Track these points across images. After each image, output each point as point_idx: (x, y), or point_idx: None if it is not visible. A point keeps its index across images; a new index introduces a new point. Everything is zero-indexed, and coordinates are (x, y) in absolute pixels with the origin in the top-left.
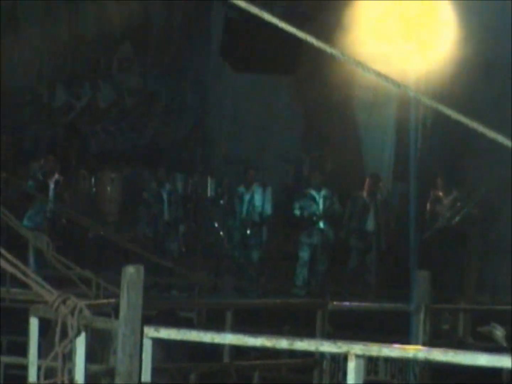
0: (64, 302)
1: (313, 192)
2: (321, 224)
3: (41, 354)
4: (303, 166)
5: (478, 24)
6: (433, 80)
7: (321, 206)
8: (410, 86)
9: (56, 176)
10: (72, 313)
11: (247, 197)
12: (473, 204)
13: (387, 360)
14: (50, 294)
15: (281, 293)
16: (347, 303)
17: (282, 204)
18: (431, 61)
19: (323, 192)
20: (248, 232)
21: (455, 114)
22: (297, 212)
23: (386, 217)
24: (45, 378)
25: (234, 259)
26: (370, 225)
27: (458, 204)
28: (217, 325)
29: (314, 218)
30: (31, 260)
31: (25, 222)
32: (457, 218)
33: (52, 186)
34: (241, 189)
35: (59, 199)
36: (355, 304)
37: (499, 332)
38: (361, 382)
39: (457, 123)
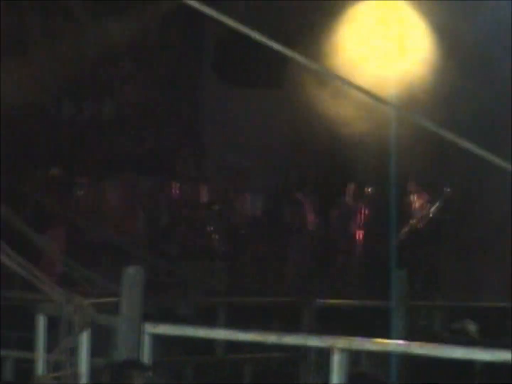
0: (69, 300)
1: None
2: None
3: (49, 349)
4: (290, 174)
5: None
6: (414, 88)
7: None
8: (391, 101)
9: None
10: (77, 311)
11: (238, 203)
12: (437, 206)
13: (370, 353)
14: (56, 293)
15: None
16: (331, 301)
17: (270, 209)
18: (411, 70)
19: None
20: (239, 235)
21: (433, 126)
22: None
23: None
24: (52, 371)
25: (225, 260)
26: (354, 228)
27: (428, 206)
28: (211, 322)
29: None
30: None
31: None
32: (425, 220)
33: None
34: (230, 194)
35: None
36: (339, 301)
37: (472, 327)
38: (345, 374)
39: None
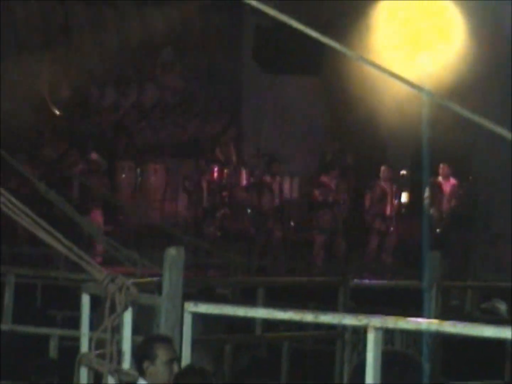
0: (112, 280)
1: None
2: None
3: (92, 327)
4: (326, 157)
5: (486, 23)
6: (445, 79)
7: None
8: (424, 86)
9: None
10: (120, 290)
11: (276, 186)
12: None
13: (403, 332)
14: (100, 273)
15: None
16: (366, 281)
17: (306, 192)
18: (442, 61)
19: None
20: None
21: (465, 112)
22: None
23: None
24: (96, 349)
25: (259, 242)
26: (388, 210)
27: (460, 192)
28: (249, 301)
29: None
30: None
31: None
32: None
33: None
34: (267, 178)
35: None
36: (373, 281)
37: (502, 307)
38: (379, 352)
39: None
